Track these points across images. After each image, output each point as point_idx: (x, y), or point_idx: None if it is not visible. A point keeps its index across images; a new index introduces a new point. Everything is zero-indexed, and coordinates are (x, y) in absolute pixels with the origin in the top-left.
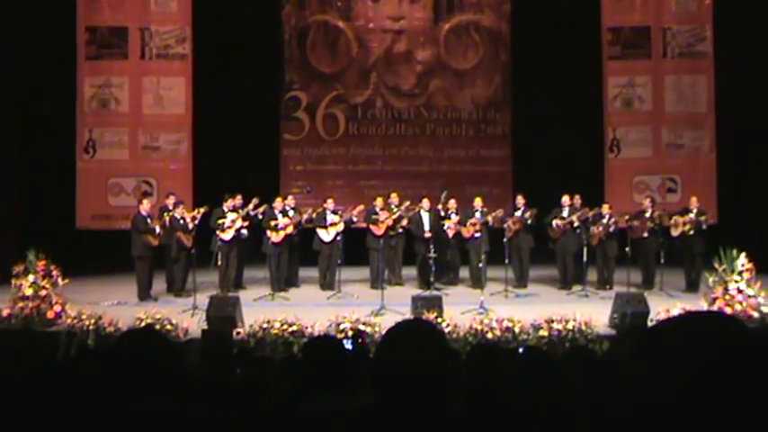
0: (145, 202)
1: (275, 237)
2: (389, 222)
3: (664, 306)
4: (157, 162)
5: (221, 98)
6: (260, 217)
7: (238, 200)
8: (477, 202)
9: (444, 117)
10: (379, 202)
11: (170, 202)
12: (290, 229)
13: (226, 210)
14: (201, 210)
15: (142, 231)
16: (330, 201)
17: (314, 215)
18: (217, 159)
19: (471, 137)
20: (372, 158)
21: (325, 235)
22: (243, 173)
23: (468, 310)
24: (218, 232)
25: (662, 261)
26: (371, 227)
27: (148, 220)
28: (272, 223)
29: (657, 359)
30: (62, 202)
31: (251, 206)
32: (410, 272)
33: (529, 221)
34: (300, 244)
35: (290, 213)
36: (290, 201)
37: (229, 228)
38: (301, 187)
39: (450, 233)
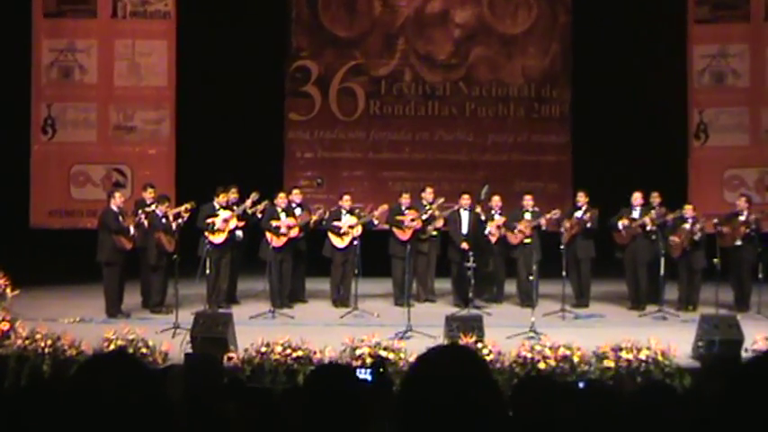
0: (117, 195)
1: (277, 241)
2: (418, 224)
3: (762, 333)
4: (132, 146)
5: (212, 68)
6: (258, 216)
7: (233, 195)
8: (528, 200)
9: (488, 94)
10: (405, 198)
11: (147, 195)
12: (295, 232)
13: (217, 206)
14: (187, 206)
15: (113, 231)
16: (346, 197)
17: (325, 215)
18: (206, 144)
19: (521, 119)
20: (399, 144)
21: (339, 239)
22: (238, 161)
23: (515, 333)
24: (206, 234)
25: (759, 276)
26: (395, 230)
27: (120, 218)
28: (274, 224)
29: (756, 403)
30: (12, 195)
31: (248, 203)
32: (444, 285)
33: (589, 225)
34: (308, 250)
35: (296, 212)
36: (296, 196)
37: (221, 229)
38: (310, 179)
39: (494, 238)
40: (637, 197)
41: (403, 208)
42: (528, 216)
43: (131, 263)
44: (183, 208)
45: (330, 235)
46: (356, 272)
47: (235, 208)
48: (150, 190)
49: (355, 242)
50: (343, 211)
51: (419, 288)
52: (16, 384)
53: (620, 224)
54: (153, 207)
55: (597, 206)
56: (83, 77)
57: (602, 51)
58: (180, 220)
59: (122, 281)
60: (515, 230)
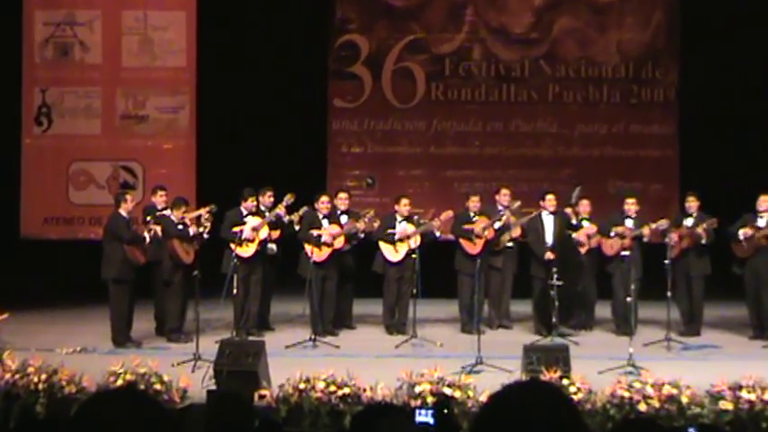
0: (127, 198)
1: (318, 253)
2: (490, 234)
3: None
4: (144, 139)
5: (239, 44)
6: (296, 224)
7: (267, 198)
8: (631, 203)
9: (576, 75)
10: (474, 202)
11: (158, 200)
12: (340, 243)
13: (245, 212)
14: (207, 208)
15: (123, 242)
16: (403, 201)
17: (377, 222)
18: (233, 137)
19: (617, 105)
20: (466, 137)
21: (395, 252)
22: (271, 157)
23: (609, 368)
24: (233, 246)
25: None
26: (463, 241)
27: (131, 227)
28: (315, 233)
29: None
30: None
31: (282, 207)
32: (522, 308)
33: (704, 239)
34: (356, 265)
35: (342, 219)
36: (342, 200)
37: (250, 240)
38: (359, 179)
39: (584, 250)
40: (763, 201)
41: (471, 214)
42: (629, 224)
43: (143, 280)
44: (203, 210)
45: (383, 246)
46: (414, 291)
47: (267, 214)
48: (161, 193)
49: (413, 255)
50: (399, 218)
51: (491, 311)
52: (4, 427)
53: (741, 233)
54: (167, 213)
55: (711, 214)
56: (84, 56)
57: (717, 22)
58: (201, 229)
59: (132, 302)
60: (611, 240)
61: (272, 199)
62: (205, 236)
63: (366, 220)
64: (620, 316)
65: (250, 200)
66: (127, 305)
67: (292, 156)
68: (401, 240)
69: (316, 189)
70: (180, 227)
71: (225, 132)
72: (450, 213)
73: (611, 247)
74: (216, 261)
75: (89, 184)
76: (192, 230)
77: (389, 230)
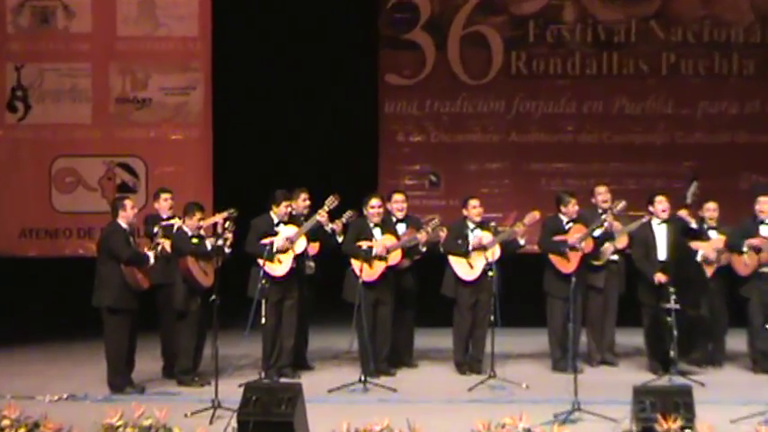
0: (127, 204)
1: (369, 272)
2: (587, 245)
3: None
4: (146, 128)
5: (266, 7)
6: (339, 235)
7: (301, 201)
8: (765, 203)
9: (697, 39)
10: (568, 205)
11: (162, 206)
12: (396, 258)
13: (277, 220)
14: (225, 213)
15: (123, 261)
16: (474, 202)
17: (443, 231)
18: (259, 124)
19: (751, 78)
20: (556, 120)
21: (469, 268)
22: (307, 150)
23: (745, 415)
24: (261, 262)
25: None
26: (553, 256)
27: (132, 241)
28: (364, 246)
29: None
30: None
31: (323, 213)
32: (630, 339)
33: None
34: (418, 286)
35: (399, 228)
36: (398, 203)
37: (282, 253)
38: (420, 176)
39: (710, 270)
40: (765, 203)
41: (564, 219)
42: (767, 231)
43: (147, 308)
44: (220, 217)
45: (453, 262)
46: (493, 318)
47: (304, 222)
48: (165, 196)
49: (490, 273)
50: (471, 225)
51: (591, 344)
52: None
53: (746, 244)
54: (175, 221)
55: None
56: (69, 24)
57: None
58: (221, 241)
59: (134, 336)
60: (745, 250)
61: (307, 203)
62: (226, 249)
63: (429, 228)
64: (757, 349)
65: (283, 204)
66: (127, 340)
67: (333, 148)
68: (476, 253)
69: (364, 190)
70: (195, 240)
71: (248, 119)
72: (536, 215)
73: (744, 265)
74: (240, 282)
75: (77, 186)
76: (209, 243)
77: (460, 241)
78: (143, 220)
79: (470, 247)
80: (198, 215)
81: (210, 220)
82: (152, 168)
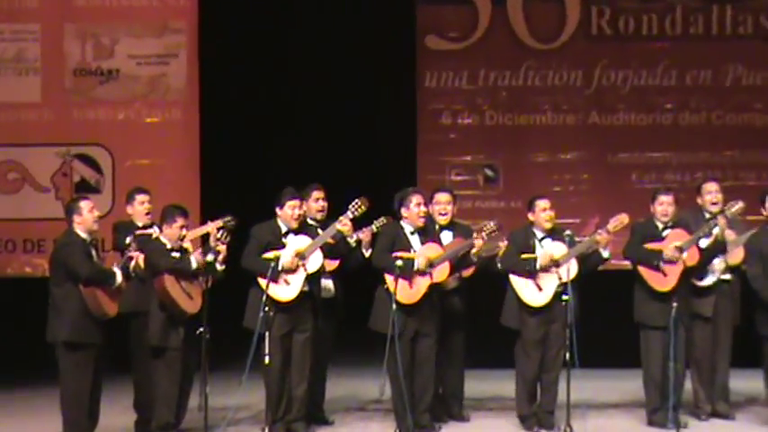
0: (82, 206)
1: (407, 293)
2: (692, 258)
3: None
4: (113, 109)
5: None
6: (365, 247)
7: (315, 202)
8: None
9: None
10: (664, 203)
11: (138, 210)
12: (442, 275)
13: (284, 227)
14: (220, 222)
15: (81, 280)
16: (543, 204)
17: (503, 241)
18: (260, 102)
19: None
20: (650, 94)
21: (534, 291)
22: (324, 136)
23: None
24: (262, 282)
25: None
26: (646, 271)
27: (95, 254)
28: (399, 260)
29: None
30: None
31: (345, 222)
32: (749, 383)
33: None
34: (469, 312)
35: (444, 236)
36: (443, 204)
37: (291, 272)
38: (470, 170)
39: None
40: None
41: (660, 225)
42: None
43: (116, 344)
44: (213, 227)
45: (516, 282)
46: (568, 357)
47: (319, 231)
48: (141, 199)
49: (565, 297)
50: (539, 234)
51: (698, 388)
52: None
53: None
54: (153, 231)
55: None
56: None
57: None
58: (211, 256)
59: (98, 380)
60: None
61: (323, 204)
62: (218, 266)
63: (484, 236)
64: None
65: (290, 207)
66: (89, 384)
67: (358, 134)
68: (545, 270)
69: (399, 187)
70: (176, 254)
71: (245, 96)
72: (624, 220)
73: None
74: (236, 309)
75: (22, 185)
76: (195, 259)
77: (525, 255)
78: (112, 228)
79: (539, 264)
80: (180, 222)
81: (199, 232)
82: (120, 161)
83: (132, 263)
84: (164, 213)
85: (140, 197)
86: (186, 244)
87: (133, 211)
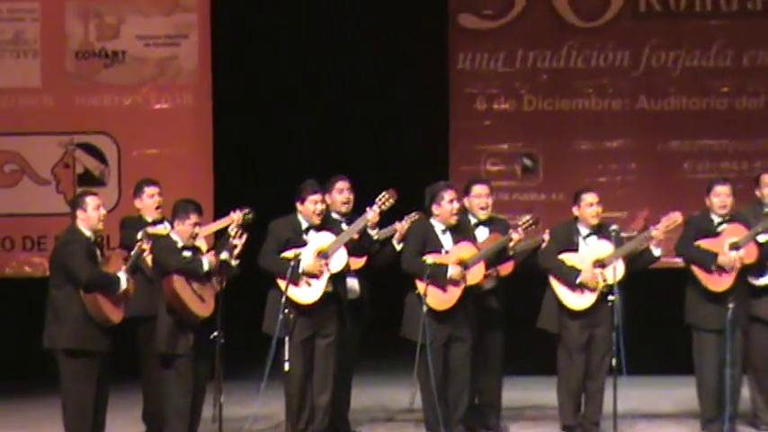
0: (87, 202)
1: (438, 298)
2: (749, 256)
3: None
4: (119, 94)
5: None
6: (396, 242)
7: (339, 194)
8: None
9: None
10: (721, 196)
11: (147, 204)
12: (477, 276)
13: (305, 223)
14: (237, 216)
15: (87, 283)
16: (589, 198)
17: (545, 236)
18: (278, 86)
19: None
20: (706, 77)
21: (579, 293)
22: (347, 123)
23: None
24: (282, 284)
25: None
26: (699, 271)
27: (99, 254)
28: (430, 259)
29: None
30: None
31: (374, 213)
32: None
33: None
34: (507, 313)
35: (479, 232)
36: (480, 196)
37: (315, 274)
38: (507, 160)
39: None
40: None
41: (715, 219)
42: None
43: (122, 352)
44: (229, 221)
45: (556, 285)
46: (615, 363)
47: (344, 226)
48: (151, 191)
49: (611, 298)
50: (583, 230)
51: (756, 396)
52: None
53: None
54: (164, 227)
55: None
56: None
57: None
58: (225, 254)
59: (103, 390)
60: None
61: (348, 197)
62: (232, 262)
63: (520, 231)
64: None
65: (312, 201)
66: (92, 395)
67: (384, 121)
68: (591, 269)
69: (430, 180)
70: (187, 253)
71: (264, 80)
72: (677, 218)
73: None
74: (253, 313)
75: (21, 176)
76: (208, 260)
77: (566, 252)
78: (120, 225)
79: (581, 279)
80: (194, 218)
81: (215, 227)
82: (127, 150)
83: (145, 254)
84: (176, 208)
85: (150, 189)
86: (199, 242)
87: (142, 205)
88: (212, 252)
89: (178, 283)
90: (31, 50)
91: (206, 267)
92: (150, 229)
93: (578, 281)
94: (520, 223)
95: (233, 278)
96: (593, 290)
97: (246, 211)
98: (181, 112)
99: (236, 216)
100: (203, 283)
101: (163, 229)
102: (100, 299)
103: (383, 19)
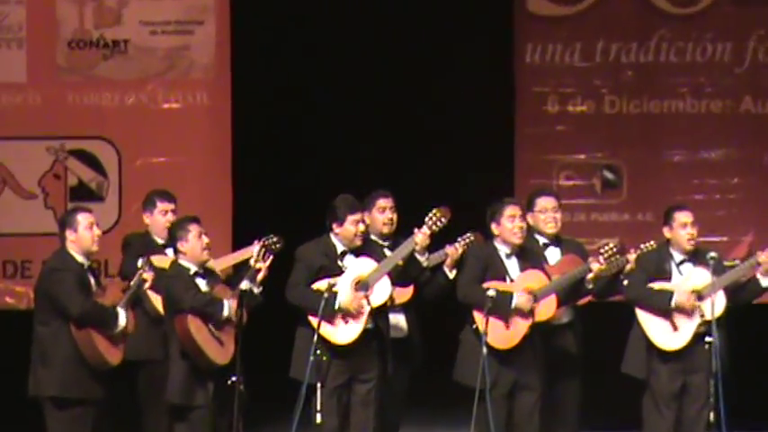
0: (79, 220)
1: (500, 334)
2: None
3: None
4: (120, 91)
5: None
6: (448, 269)
7: (381, 213)
8: None
9: None
10: None
11: (157, 220)
12: (548, 311)
13: (339, 246)
14: (260, 246)
15: (80, 317)
16: (684, 217)
17: (629, 263)
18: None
19: None
20: None
21: (667, 331)
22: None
23: None
24: (313, 320)
25: None
26: None
27: (93, 283)
28: (490, 291)
29: None
30: None
31: (423, 236)
32: None
33: None
34: (584, 355)
35: (550, 255)
36: (547, 211)
37: (353, 310)
38: (584, 172)
39: None
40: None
41: None
42: None
43: (121, 401)
44: (254, 254)
45: (644, 318)
46: (712, 416)
47: (387, 251)
48: (165, 207)
49: (709, 339)
50: (678, 256)
51: None
52: None
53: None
54: (167, 257)
55: None
56: None
57: None
58: (245, 283)
59: None
60: None
61: (391, 217)
62: (255, 290)
63: (601, 260)
64: None
65: (352, 222)
66: None
67: (436, 124)
68: (682, 309)
69: (490, 195)
70: (202, 281)
71: (293, 75)
72: None
73: None
74: (279, 354)
75: (2, 188)
76: (228, 306)
77: (658, 284)
78: (122, 244)
79: (675, 301)
80: (195, 229)
81: (232, 259)
82: (129, 159)
83: (147, 285)
84: (171, 231)
85: (163, 205)
86: (210, 263)
87: (152, 222)
88: (234, 299)
89: (193, 323)
90: (15, 39)
91: (226, 313)
92: (155, 259)
93: (673, 303)
94: (602, 251)
95: (256, 306)
96: (690, 316)
97: (274, 239)
98: (194, 114)
99: (258, 248)
100: (222, 325)
101: (166, 259)
102: (94, 337)
103: (438, 5)
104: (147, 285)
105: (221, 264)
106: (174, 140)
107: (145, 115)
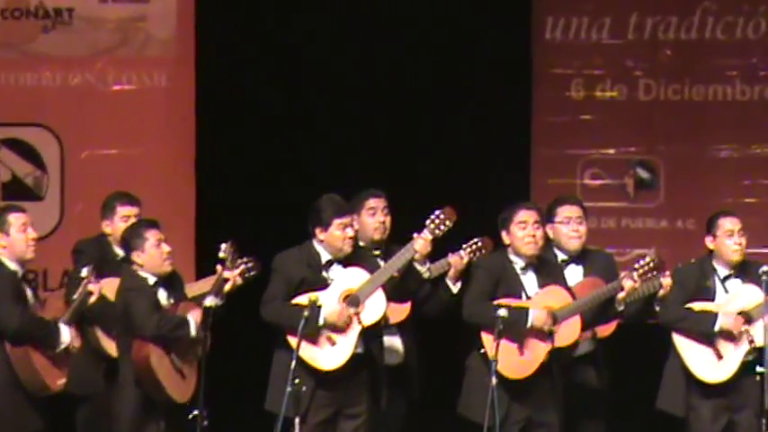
0: (11, 221)
1: (512, 361)
2: None
3: None
4: (64, 69)
5: None
6: (452, 283)
7: (370, 214)
8: None
9: None
10: None
11: (118, 227)
12: (568, 337)
13: (324, 254)
14: (236, 271)
15: (14, 335)
16: (729, 225)
17: (665, 281)
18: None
19: None
20: None
21: (711, 360)
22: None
23: None
24: (292, 341)
25: None
26: None
27: (31, 296)
28: (501, 309)
29: None
30: None
31: (425, 242)
32: None
33: None
34: (609, 389)
35: (569, 270)
36: (570, 222)
37: (339, 328)
38: (615, 168)
39: None
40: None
41: None
42: None
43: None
44: (232, 275)
45: (682, 345)
46: None
47: (381, 262)
48: (126, 211)
49: (760, 369)
50: (723, 271)
51: None
52: None
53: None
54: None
55: None
56: None
57: None
58: (212, 299)
59: None
60: None
61: (384, 220)
62: (218, 302)
63: (635, 276)
64: None
65: (339, 226)
66: None
67: (440, 114)
68: (727, 334)
69: (502, 195)
70: (163, 293)
71: (267, 52)
72: None
73: None
74: (251, 383)
75: None
76: (194, 322)
77: (699, 305)
78: (72, 251)
79: (720, 324)
80: (153, 235)
81: (198, 289)
82: (73, 149)
83: (93, 299)
84: (124, 239)
85: (125, 210)
86: (167, 268)
87: (113, 230)
88: (199, 311)
89: (154, 354)
90: None
91: (193, 333)
92: (107, 283)
93: (717, 326)
94: (636, 266)
95: (219, 320)
96: (737, 342)
97: (248, 262)
98: (150, 97)
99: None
100: (185, 353)
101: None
102: (35, 356)
103: None
104: (92, 299)
105: (194, 291)
106: (127, 129)
107: (92, 99)
